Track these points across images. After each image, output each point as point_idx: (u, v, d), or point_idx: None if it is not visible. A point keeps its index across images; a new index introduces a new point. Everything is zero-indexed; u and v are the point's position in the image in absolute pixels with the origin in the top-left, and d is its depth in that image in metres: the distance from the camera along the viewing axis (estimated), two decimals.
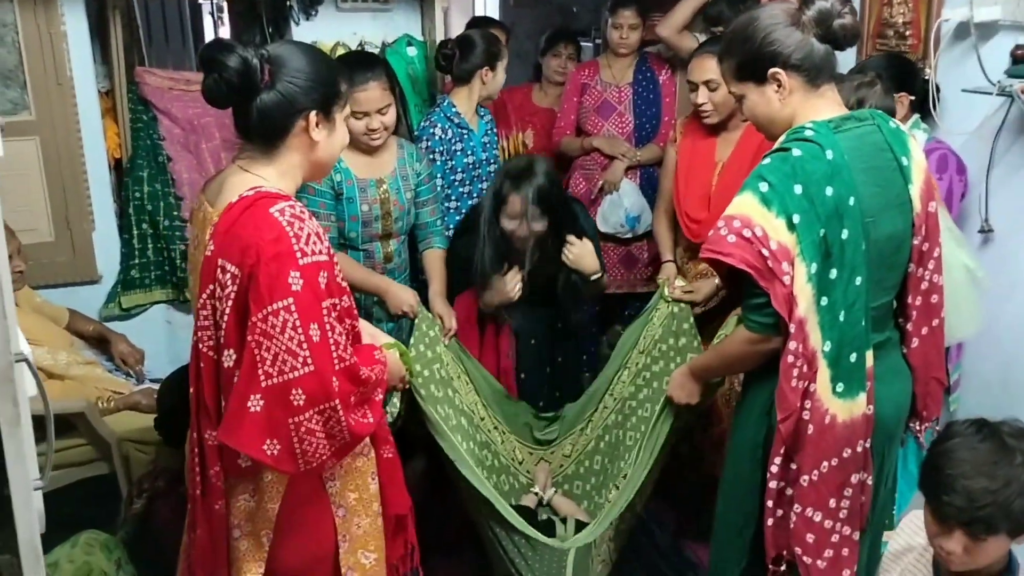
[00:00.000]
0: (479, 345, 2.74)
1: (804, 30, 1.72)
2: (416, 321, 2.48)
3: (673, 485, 2.83)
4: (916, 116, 2.54)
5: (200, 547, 1.60)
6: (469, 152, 3.04)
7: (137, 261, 3.52)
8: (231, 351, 1.52)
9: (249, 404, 1.46)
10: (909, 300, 1.84)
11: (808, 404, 1.73)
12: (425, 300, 2.60)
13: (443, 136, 2.97)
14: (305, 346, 1.47)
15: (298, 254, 1.48)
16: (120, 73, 3.33)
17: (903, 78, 2.49)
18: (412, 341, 2.42)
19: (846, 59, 2.66)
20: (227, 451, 1.57)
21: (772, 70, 1.73)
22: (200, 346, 1.55)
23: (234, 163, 1.66)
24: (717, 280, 2.53)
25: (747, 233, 1.67)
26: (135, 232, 3.48)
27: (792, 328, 1.68)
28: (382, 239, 2.65)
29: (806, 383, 1.71)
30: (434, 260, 2.73)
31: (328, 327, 1.51)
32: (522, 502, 2.61)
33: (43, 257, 3.20)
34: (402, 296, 2.51)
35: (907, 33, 2.74)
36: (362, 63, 2.48)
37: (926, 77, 2.57)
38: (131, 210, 3.47)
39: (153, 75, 3.47)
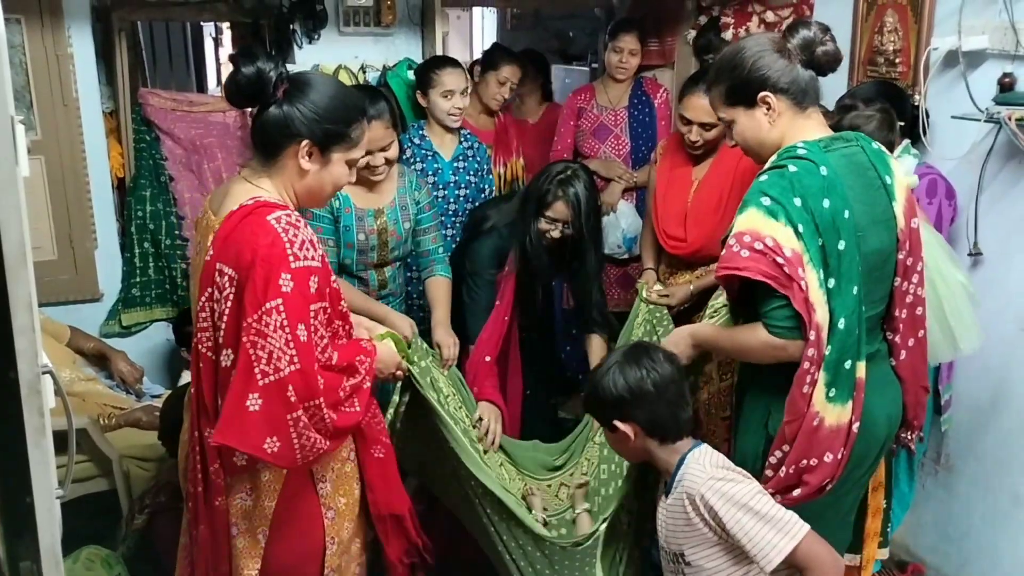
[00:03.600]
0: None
1: (790, 57, 1.80)
2: (408, 353, 2.34)
3: None
4: (907, 141, 2.59)
5: (202, 543, 1.65)
6: (431, 173, 3.07)
7: (138, 279, 3.55)
8: (229, 351, 1.58)
9: (248, 403, 1.51)
10: (896, 313, 1.89)
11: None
12: (424, 330, 2.55)
13: (403, 156, 2.98)
14: (292, 345, 1.53)
15: (291, 258, 1.55)
16: (124, 94, 3.38)
17: (893, 104, 2.54)
18: None
19: (837, 85, 2.73)
20: (225, 449, 1.61)
21: (762, 93, 1.81)
22: (200, 347, 1.61)
23: (239, 173, 1.74)
24: (692, 287, 2.71)
25: (759, 245, 1.70)
26: (136, 251, 3.52)
27: (812, 335, 1.70)
28: (376, 267, 2.65)
29: (811, 389, 1.75)
30: (437, 288, 2.69)
31: (313, 329, 1.58)
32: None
33: (46, 275, 3.22)
34: (399, 324, 2.44)
35: (897, 60, 2.81)
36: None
37: (915, 103, 2.64)
38: (133, 229, 3.50)
39: (156, 96, 3.51)
